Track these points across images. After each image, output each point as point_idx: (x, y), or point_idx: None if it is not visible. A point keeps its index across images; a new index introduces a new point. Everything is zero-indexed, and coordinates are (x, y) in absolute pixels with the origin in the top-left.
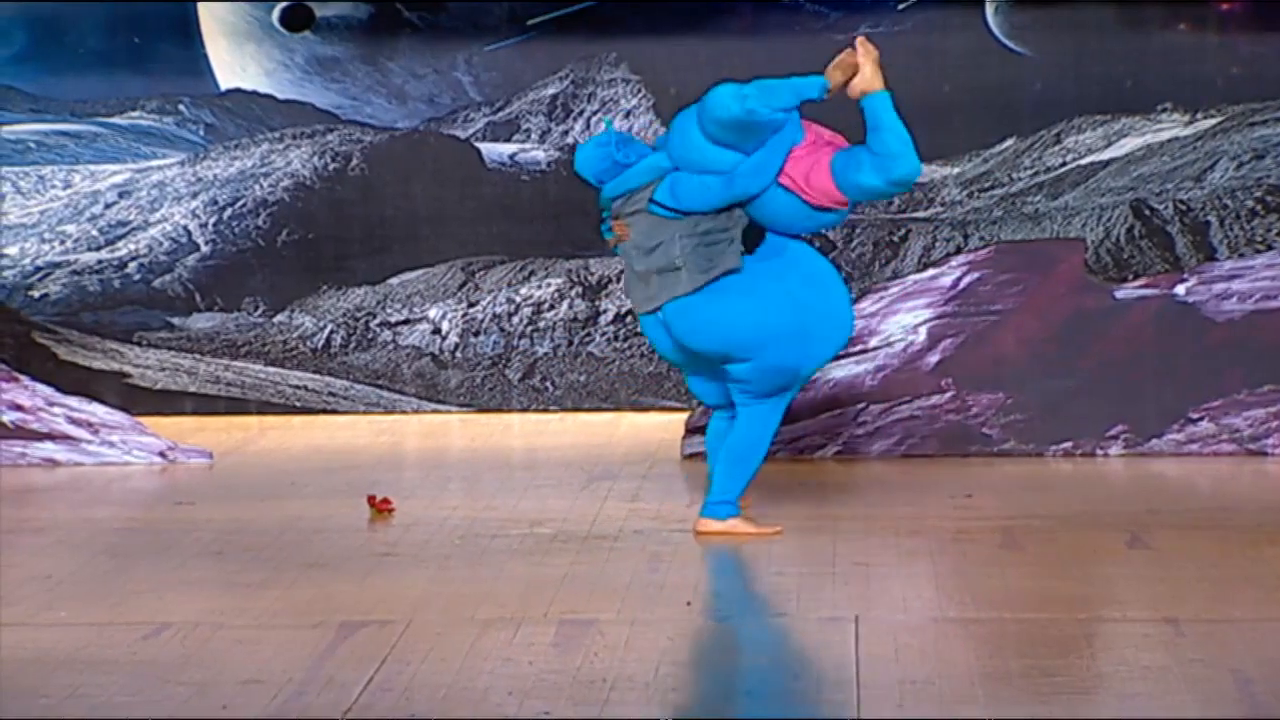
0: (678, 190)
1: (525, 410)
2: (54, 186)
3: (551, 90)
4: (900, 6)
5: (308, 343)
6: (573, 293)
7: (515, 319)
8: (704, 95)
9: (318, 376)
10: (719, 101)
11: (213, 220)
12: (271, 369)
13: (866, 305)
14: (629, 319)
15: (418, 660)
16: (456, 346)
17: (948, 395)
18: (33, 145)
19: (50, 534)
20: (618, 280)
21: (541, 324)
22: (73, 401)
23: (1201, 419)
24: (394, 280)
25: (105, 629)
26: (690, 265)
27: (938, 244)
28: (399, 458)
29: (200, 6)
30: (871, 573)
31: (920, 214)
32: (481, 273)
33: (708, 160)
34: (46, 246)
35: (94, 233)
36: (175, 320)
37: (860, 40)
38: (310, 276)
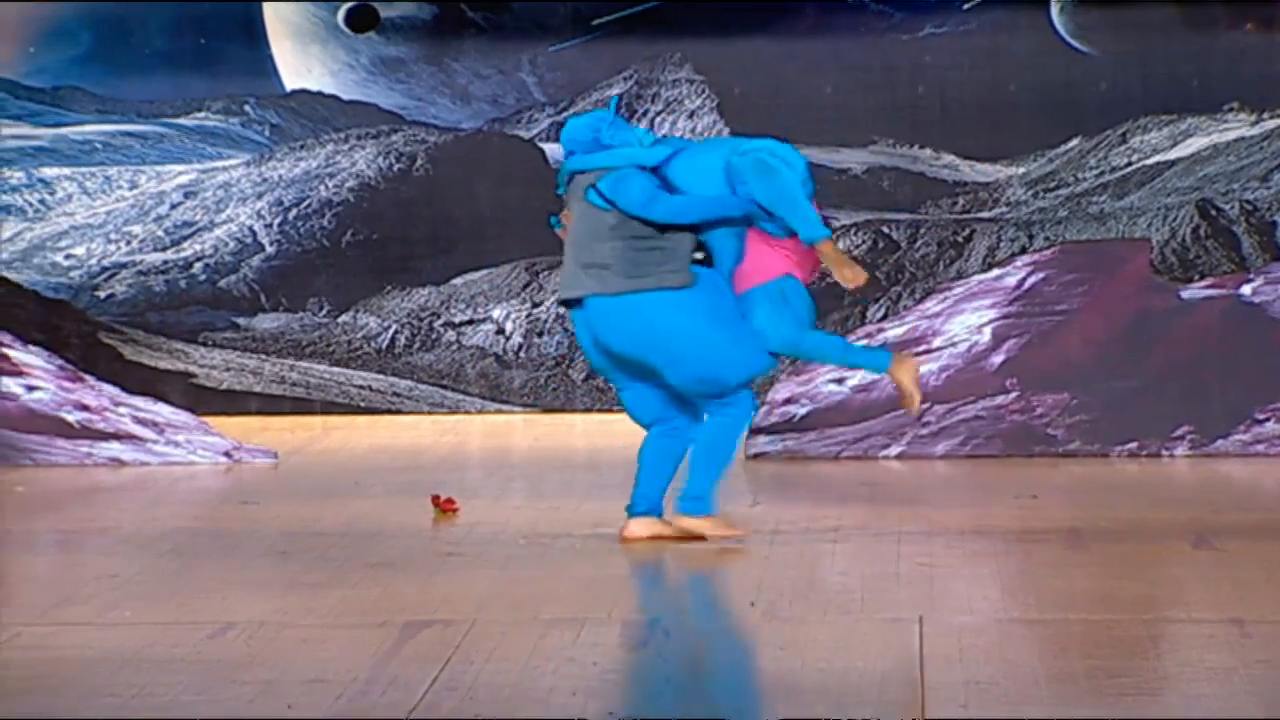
0: (619, 185)
1: (589, 410)
2: (120, 187)
3: (615, 90)
4: (965, 6)
5: (372, 343)
6: None
7: None
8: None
9: (382, 377)
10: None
11: (278, 221)
12: (336, 369)
13: (931, 305)
14: None
15: (482, 660)
16: (520, 347)
17: (1012, 395)
18: (99, 146)
19: (115, 534)
20: None
21: None
22: (138, 401)
23: (1268, 419)
24: (458, 280)
25: (170, 628)
26: (617, 269)
27: (1002, 244)
28: (463, 458)
29: (265, 7)
30: (935, 573)
31: (985, 214)
32: (545, 273)
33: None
34: (112, 247)
35: (160, 233)
36: (240, 320)
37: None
38: (375, 277)
